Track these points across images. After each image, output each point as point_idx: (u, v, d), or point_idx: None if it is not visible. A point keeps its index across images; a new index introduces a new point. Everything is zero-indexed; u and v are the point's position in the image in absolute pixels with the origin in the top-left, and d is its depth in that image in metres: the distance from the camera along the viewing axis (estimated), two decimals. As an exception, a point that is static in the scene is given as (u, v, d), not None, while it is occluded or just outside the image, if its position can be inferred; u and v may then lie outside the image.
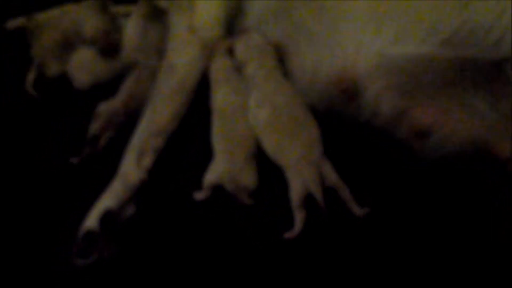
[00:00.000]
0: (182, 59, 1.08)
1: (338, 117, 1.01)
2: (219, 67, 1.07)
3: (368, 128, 1.00)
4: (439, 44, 0.93)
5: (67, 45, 1.19)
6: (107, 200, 0.92)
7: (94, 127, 1.05)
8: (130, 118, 1.06)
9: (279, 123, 0.97)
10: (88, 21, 1.19)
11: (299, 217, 0.88)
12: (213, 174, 0.94)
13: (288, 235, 0.88)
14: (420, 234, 0.90)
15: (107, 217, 0.90)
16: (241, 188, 0.92)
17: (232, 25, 1.11)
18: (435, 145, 0.96)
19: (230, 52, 1.09)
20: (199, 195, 0.93)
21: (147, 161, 0.98)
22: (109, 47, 1.17)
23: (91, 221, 0.90)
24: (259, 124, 0.99)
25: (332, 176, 0.91)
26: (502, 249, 0.87)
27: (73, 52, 1.19)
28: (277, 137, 0.96)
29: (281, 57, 1.07)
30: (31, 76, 1.17)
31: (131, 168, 0.96)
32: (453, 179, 0.95)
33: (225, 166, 0.94)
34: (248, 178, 0.94)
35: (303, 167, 0.91)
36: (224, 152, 0.96)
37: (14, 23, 1.26)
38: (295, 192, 0.90)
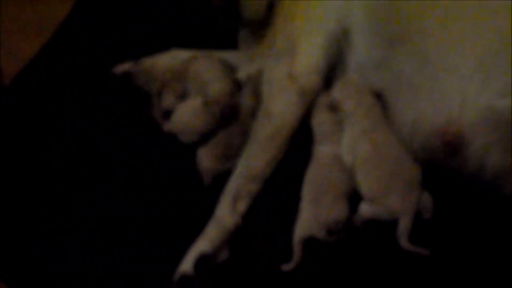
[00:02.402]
0: (279, 106, 1.08)
1: (440, 170, 0.98)
2: (322, 121, 1.06)
3: (473, 182, 0.96)
4: None
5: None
6: (202, 244, 0.93)
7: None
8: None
9: (379, 161, 0.96)
10: (216, 81, 1.17)
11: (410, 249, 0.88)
12: (301, 229, 0.93)
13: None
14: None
15: (202, 261, 0.91)
16: (332, 229, 0.91)
17: (332, 75, 1.11)
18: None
19: (331, 106, 1.08)
20: (287, 267, 0.90)
21: (242, 206, 0.99)
22: (231, 110, 1.14)
23: (186, 265, 0.91)
24: (356, 159, 0.98)
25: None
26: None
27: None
28: (377, 175, 0.95)
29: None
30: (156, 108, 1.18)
31: (226, 213, 0.97)
32: None
33: (311, 216, 0.93)
34: (337, 213, 0.93)
35: (406, 207, 0.90)
36: (309, 201, 0.96)
37: (122, 68, 1.29)
38: (402, 228, 0.90)
